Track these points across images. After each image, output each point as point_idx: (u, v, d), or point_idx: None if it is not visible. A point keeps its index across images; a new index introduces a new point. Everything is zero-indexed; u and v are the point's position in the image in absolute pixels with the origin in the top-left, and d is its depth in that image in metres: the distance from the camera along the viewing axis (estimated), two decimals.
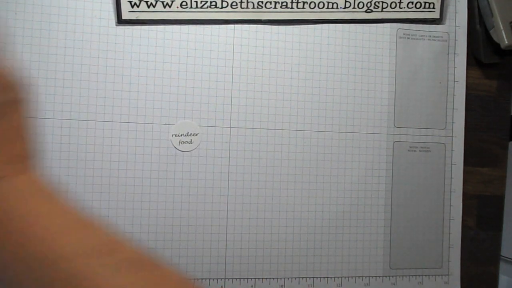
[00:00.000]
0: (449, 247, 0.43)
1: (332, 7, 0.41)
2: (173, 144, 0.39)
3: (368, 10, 0.41)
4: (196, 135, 0.39)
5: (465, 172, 0.43)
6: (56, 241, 0.22)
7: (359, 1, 0.41)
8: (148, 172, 0.38)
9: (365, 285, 0.41)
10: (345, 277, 0.41)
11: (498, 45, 0.41)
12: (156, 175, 0.38)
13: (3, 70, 0.23)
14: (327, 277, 0.40)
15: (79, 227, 0.23)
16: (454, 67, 0.43)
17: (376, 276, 0.41)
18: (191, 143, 0.39)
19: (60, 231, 0.22)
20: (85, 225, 0.24)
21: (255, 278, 0.39)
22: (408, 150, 0.42)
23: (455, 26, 0.43)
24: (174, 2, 0.38)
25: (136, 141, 0.38)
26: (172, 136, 0.39)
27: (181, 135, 0.39)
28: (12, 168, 0.23)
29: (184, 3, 0.38)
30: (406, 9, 0.42)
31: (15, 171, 0.23)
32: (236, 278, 0.39)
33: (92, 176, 0.37)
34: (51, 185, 0.25)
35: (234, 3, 0.39)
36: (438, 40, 0.43)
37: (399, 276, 0.42)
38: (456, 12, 0.43)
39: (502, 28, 0.41)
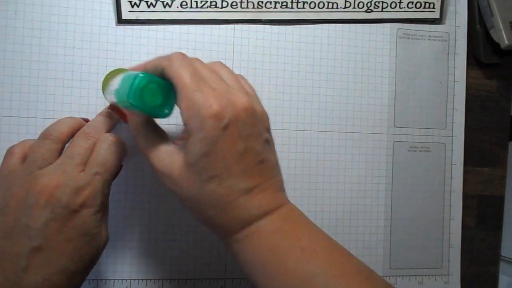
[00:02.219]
0: (449, 247, 0.43)
1: (332, 7, 0.41)
2: None
3: (368, 10, 0.41)
4: None
5: (465, 172, 0.43)
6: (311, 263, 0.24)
7: (359, 1, 0.41)
8: (148, 172, 0.38)
9: None
10: None
11: (498, 45, 0.42)
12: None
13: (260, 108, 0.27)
14: None
15: (333, 251, 0.26)
16: (454, 67, 0.43)
17: None
18: None
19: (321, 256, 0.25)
20: (338, 249, 0.27)
21: None
22: (408, 150, 0.42)
23: (455, 26, 0.43)
24: (174, 2, 0.38)
25: None
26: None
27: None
28: (283, 196, 0.28)
29: (184, 3, 0.38)
30: (406, 9, 0.42)
31: (285, 199, 0.28)
32: (236, 278, 0.39)
33: None
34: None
35: (234, 3, 0.39)
36: (438, 40, 0.43)
37: (399, 276, 0.42)
38: (456, 12, 0.43)
39: (502, 28, 0.41)
